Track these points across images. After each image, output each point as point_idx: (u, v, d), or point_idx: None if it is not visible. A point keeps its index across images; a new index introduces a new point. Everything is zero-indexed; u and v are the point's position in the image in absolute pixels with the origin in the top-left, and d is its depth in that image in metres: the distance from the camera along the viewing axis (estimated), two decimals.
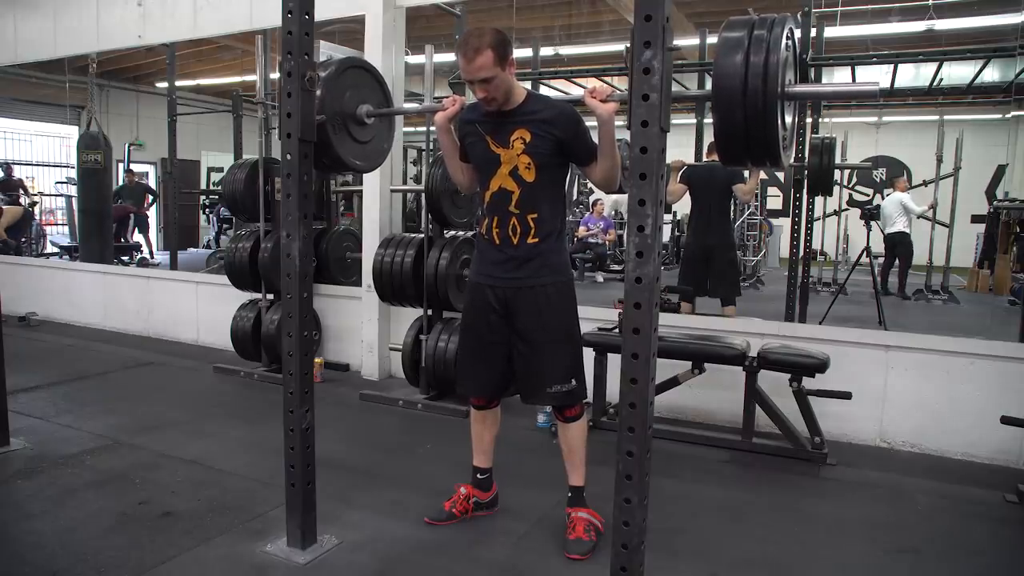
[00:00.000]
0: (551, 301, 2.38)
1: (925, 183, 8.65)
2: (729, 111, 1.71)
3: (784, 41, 1.70)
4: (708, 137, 7.45)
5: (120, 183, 10.88)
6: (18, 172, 10.77)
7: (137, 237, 10.83)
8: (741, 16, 1.76)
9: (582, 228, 10.36)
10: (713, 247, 4.83)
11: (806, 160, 5.30)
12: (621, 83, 6.58)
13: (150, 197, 11.19)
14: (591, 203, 10.95)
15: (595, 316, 3.91)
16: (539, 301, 2.37)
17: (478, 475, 2.66)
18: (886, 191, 9.86)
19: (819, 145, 5.36)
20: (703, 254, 4.87)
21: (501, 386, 2.55)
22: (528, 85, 7.09)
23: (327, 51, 4.07)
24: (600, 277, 10.05)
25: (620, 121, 2.29)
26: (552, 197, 2.39)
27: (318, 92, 2.40)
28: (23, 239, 9.03)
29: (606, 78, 6.66)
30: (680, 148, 6.16)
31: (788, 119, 1.89)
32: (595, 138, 2.30)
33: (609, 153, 2.25)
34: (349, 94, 2.60)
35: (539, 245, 2.35)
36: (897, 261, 8.56)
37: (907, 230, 8.39)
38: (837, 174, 9.62)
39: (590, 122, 2.32)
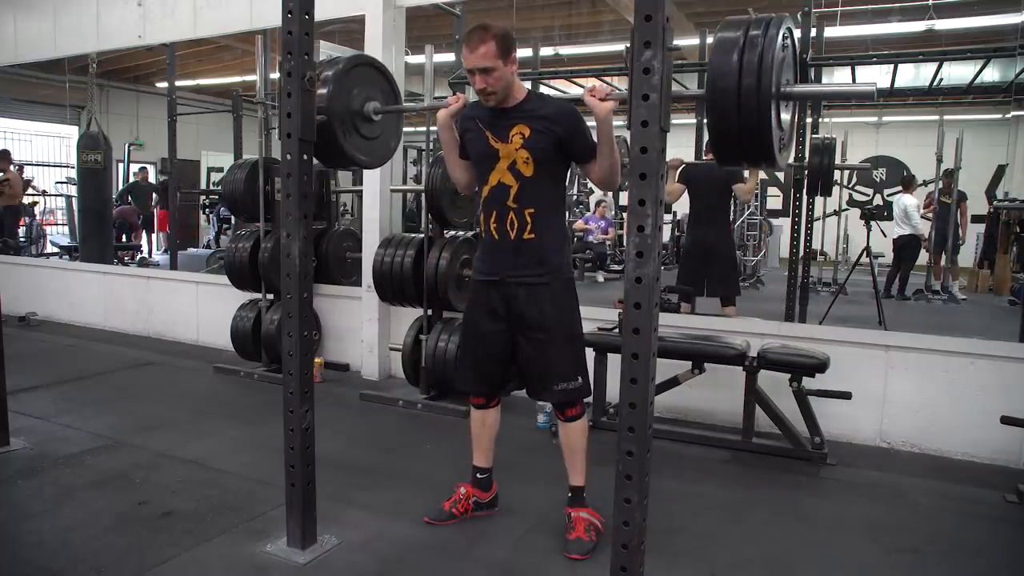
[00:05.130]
0: (555, 299, 2.39)
1: (925, 183, 8.64)
2: (723, 111, 1.70)
3: (780, 41, 1.68)
4: (708, 137, 7.44)
5: (132, 180, 11.13)
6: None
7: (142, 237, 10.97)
8: (739, 16, 1.75)
9: (580, 222, 10.33)
10: (713, 246, 4.82)
11: (806, 160, 5.29)
12: (621, 83, 6.57)
13: (155, 196, 11.30)
14: (594, 204, 10.92)
15: (595, 316, 3.90)
16: (541, 299, 2.37)
17: (478, 475, 2.66)
18: (887, 191, 9.85)
19: (819, 145, 5.37)
20: (702, 253, 4.86)
21: (500, 383, 2.55)
22: (528, 85, 7.15)
23: (327, 51, 4.07)
24: (600, 277, 10.04)
25: (620, 121, 2.29)
26: (550, 194, 2.40)
27: (326, 90, 2.40)
28: (21, 225, 8.96)
29: (606, 78, 6.66)
30: (680, 148, 6.16)
31: (785, 119, 1.87)
32: (595, 136, 2.30)
33: (607, 152, 2.26)
34: (357, 91, 2.61)
35: (536, 241, 2.36)
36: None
37: (916, 233, 8.28)
38: (837, 174, 9.65)
39: (591, 121, 2.32)
